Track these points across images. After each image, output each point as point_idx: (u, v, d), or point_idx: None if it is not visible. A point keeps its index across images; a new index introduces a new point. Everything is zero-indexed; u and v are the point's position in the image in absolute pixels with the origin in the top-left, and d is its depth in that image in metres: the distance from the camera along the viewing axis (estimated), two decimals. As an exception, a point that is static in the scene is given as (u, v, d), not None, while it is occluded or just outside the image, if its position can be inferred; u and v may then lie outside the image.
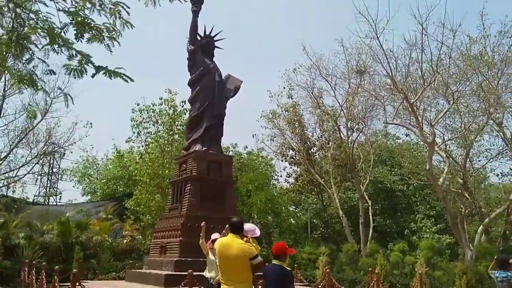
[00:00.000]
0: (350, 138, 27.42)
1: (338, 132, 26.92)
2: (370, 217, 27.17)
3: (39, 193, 43.39)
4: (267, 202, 26.43)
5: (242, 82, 17.13)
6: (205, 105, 15.85)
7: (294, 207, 44.85)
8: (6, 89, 19.89)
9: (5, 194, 27.97)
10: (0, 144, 20.52)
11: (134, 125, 23.74)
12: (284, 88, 26.83)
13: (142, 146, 24.14)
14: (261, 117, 28.17)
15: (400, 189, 33.53)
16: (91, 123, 22.34)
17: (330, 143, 30.51)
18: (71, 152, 21.75)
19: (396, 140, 39.71)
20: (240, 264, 5.33)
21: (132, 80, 5.14)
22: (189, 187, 14.90)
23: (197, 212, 14.53)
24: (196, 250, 10.38)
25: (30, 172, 24.14)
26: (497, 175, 32.66)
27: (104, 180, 31.81)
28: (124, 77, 5.14)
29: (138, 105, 23.54)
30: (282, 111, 28.32)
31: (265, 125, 28.47)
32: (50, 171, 43.40)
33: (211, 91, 16.04)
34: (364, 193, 28.64)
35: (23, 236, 21.17)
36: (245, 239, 5.85)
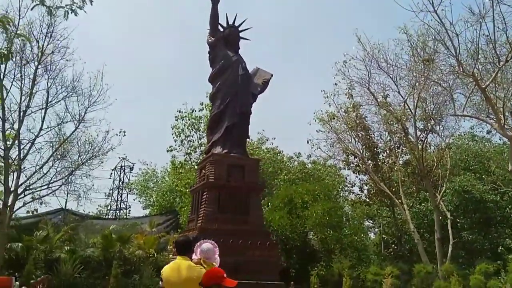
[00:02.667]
0: (421, 140, 23.65)
1: (405, 133, 23.30)
2: (449, 231, 23.02)
3: (110, 207, 44.65)
4: (325, 214, 23.63)
5: (272, 75, 14.99)
6: (226, 102, 13.94)
7: (370, 221, 41.23)
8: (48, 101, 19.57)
9: (64, 208, 28.35)
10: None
11: (175, 132, 22.46)
12: (336, 84, 23.81)
13: (184, 155, 22.76)
14: (314, 120, 25.40)
15: (492, 200, 28.62)
16: (124, 131, 21.49)
17: (400, 147, 26.83)
18: (102, 162, 20.55)
19: (486, 144, 34.68)
20: None
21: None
22: (205, 196, 12.97)
23: (213, 225, 12.52)
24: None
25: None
26: None
27: (161, 193, 31.14)
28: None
29: (180, 112, 22.27)
30: (340, 112, 25.38)
31: (320, 129, 25.54)
32: (120, 185, 44.54)
33: (233, 86, 14.10)
34: (442, 204, 24.57)
35: (66, 250, 20.75)
36: (195, 260, 5.02)
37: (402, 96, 22.17)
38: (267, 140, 33.67)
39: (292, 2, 72.44)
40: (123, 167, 45.93)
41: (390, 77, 21.73)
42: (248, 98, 14.18)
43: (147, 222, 27.62)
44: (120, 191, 45.02)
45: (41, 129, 20.18)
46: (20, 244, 19.48)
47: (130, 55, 73.70)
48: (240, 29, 15.08)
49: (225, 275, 3.96)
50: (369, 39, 21.06)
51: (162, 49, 75.38)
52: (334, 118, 25.94)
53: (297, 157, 36.75)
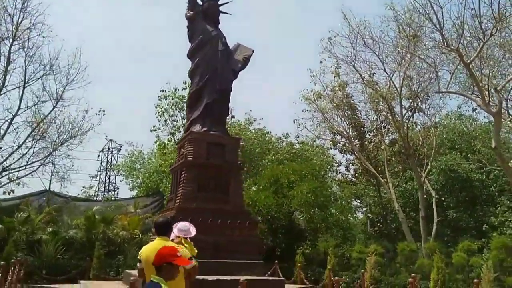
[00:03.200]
0: (406, 118, 23.49)
1: (390, 112, 23.10)
2: (434, 210, 23.10)
3: (98, 189, 44.28)
4: (311, 194, 23.51)
5: (253, 51, 14.57)
6: (205, 79, 13.53)
7: (358, 201, 41.41)
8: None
9: (48, 189, 27.96)
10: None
11: (159, 112, 22.00)
12: (321, 62, 23.33)
13: (168, 135, 22.36)
14: (300, 99, 25.04)
15: (478, 179, 28.66)
16: (103, 110, 20.93)
17: (387, 126, 26.68)
18: (81, 142, 20.04)
19: (473, 123, 34.71)
20: None
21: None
22: (184, 175, 12.68)
23: (192, 204, 12.28)
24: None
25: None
26: None
27: (148, 174, 30.81)
28: None
29: (163, 91, 21.77)
30: (327, 91, 25.04)
31: (306, 108, 25.19)
32: (108, 167, 44.08)
33: (212, 62, 13.69)
34: (428, 183, 24.60)
35: (48, 231, 20.46)
36: (176, 240, 5.36)
37: (387, 74, 21.93)
38: (255, 120, 33.38)
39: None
40: (110, 149, 45.49)
41: (376, 54, 21.45)
42: (228, 74, 13.78)
43: (132, 203, 27.39)
44: (108, 173, 44.69)
45: (19, 108, 19.72)
46: (0, 226, 19.16)
47: (113, 32, 72.07)
48: (220, 2, 14.58)
49: (178, 254, 3.67)
50: (355, 15, 20.69)
51: (145, 24, 73.84)
52: (320, 97, 25.63)
53: (285, 138, 36.49)
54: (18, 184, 20.72)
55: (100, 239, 20.55)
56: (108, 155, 43.60)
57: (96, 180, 41.09)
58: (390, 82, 22.07)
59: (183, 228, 5.86)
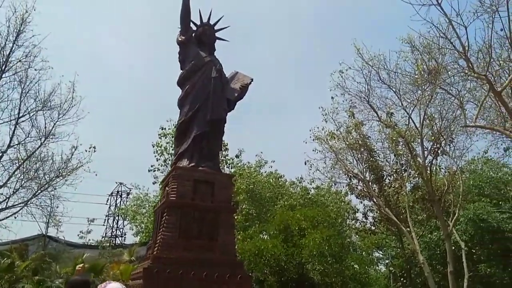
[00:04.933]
0: (429, 161, 21.31)
1: (411, 154, 21.01)
2: (464, 264, 20.36)
3: (105, 233, 42.53)
4: (324, 243, 21.20)
5: (252, 80, 13.06)
6: (195, 108, 11.97)
7: (380, 252, 38.39)
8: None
9: (44, 234, 26.39)
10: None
11: (157, 151, 20.48)
12: (333, 98, 21.55)
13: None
14: (311, 139, 23.16)
15: (511, 229, 26.02)
16: (94, 147, 19.41)
17: (408, 170, 24.42)
18: (66, 181, 18.51)
19: (502, 168, 32.18)
20: None
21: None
22: (165, 218, 10.84)
23: (170, 253, 10.32)
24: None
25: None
26: None
27: (151, 218, 28.93)
28: None
29: (163, 129, 20.37)
30: (340, 130, 23.20)
31: (317, 148, 23.23)
32: (114, 211, 42.51)
33: (204, 90, 12.17)
34: (455, 233, 21.98)
35: (32, 280, 18.62)
36: None
37: (406, 112, 20.03)
38: (266, 163, 31.65)
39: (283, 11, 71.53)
40: (120, 192, 44.15)
41: (393, 90, 19.72)
42: (221, 103, 12.20)
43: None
44: (115, 218, 43.07)
45: (9, 145, 18.57)
46: (-24, 273, 17.45)
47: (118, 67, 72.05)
48: (216, 28, 13.29)
49: None
50: (369, 48, 19.14)
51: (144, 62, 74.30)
52: (334, 138, 23.75)
53: (299, 182, 34.55)
54: (4, 227, 19.12)
55: (87, 290, 18.57)
56: (116, 198, 42.19)
57: (93, 224, 39.24)
58: (409, 120, 20.14)
59: None
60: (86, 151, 19.07)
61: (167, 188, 11.44)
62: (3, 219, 18.36)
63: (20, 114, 18.74)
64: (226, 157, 24.51)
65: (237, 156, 25.51)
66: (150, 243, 11.58)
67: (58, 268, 20.21)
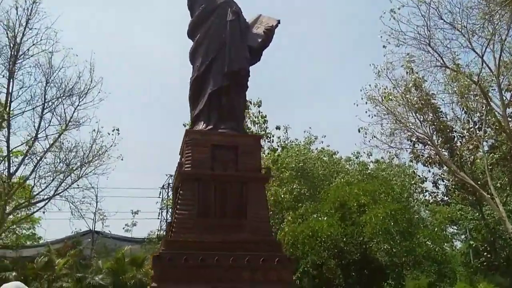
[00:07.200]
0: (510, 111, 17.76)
1: (487, 102, 17.50)
2: None
3: (160, 227, 41.83)
4: (389, 219, 18.34)
5: (279, 22, 10.58)
6: (209, 60, 9.73)
7: (454, 227, 34.63)
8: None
9: (92, 229, 25.64)
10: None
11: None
12: (384, 47, 18.17)
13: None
14: (364, 100, 20.07)
15: None
16: (117, 129, 17.71)
17: (483, 128, 20.75)
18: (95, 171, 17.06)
19: None
20: None
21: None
22: (180, 193, 8.76)
23: (188, 235, 8.25)
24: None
25: None
26: None
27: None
28: None
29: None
30: (398, 89, 20.02)
31: (371, 110, 20.09)
32: (168, 203, 41.61)
33: (219, 37, 9.89)
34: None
35: (73, 278, 17.55)
36: None
37: (477, 53, 16.55)
38: (316, 138, 28.86)
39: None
40: (171, 185, 43.22)
41: (458, 29, 16.33)
42: (241, 52, 9.85)
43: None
44: (163, 211, 42.13)
45: (35, 138, 17.50)
46: (14, 273, 16.56)
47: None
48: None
49: None
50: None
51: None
52: (391, 99, 20.58)
53: (356, 158, 31.52)
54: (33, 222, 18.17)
55: (130, 285, 17.22)
56: (168, 191, 41.27)
57: (138, 217, 38.49)
58: (482, 64, 16.67)
59: None
60: (109, 134, 17.53)
61: (182, 158, 9.35)
62: (32, 214, 17.31)
63: (45, 104, 17.63)
64: (266, 130, 22.11)
65: (277, 128, 22.98)
66: (168, 226, 9.58)
67: (100, 264, 19.07)
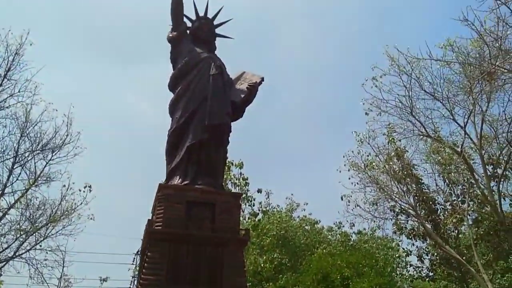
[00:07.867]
0: (495, 187, 17.54)
1: (471, 173, 17.33)
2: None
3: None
4: (373, 294, 17.27)
5: (263, 79, 10.37)
6: (189, 113, 9.29)
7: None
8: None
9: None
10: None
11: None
12: (367, 114, 18.27)
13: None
14: (346, 167, 19.76)
15: None
16: (89, 186, 16.70)
17: (466, 201, 20.43)
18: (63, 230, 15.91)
19: None
20: None
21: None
22: (149, 255, 7.85)
23: (154, 305, 7.22)
24: None
25: None
26: None
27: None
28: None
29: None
30: (379, 157, 19.84)
31: (354, 178, 19.72)
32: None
33: (201, 91, 9.54)
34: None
35: None
36: None
37: (459, 124, 16.64)
38: (298, 206, 28.17)
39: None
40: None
41: (440, 101, 16.52)
42: (224, 106, 9.47)
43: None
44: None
45: (2, 193, 16.38)
46: None
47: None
48: (216, 23, 10.88)
49: None
50: (406, 53, 16.09)
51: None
52: (373, 167, 20.32)
53: (338, 228, 30.77)
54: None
55: None
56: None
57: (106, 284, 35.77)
58: (464, 134, 16.69)
59: None
60: (80, 190, 16.51)
61: (153, 217, 8.53)
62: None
63: (16, 158, 16.72)
64: (247, 193, 21.36)
65: (259, 191, 22.25)
66: (132, 293, 8.48)
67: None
